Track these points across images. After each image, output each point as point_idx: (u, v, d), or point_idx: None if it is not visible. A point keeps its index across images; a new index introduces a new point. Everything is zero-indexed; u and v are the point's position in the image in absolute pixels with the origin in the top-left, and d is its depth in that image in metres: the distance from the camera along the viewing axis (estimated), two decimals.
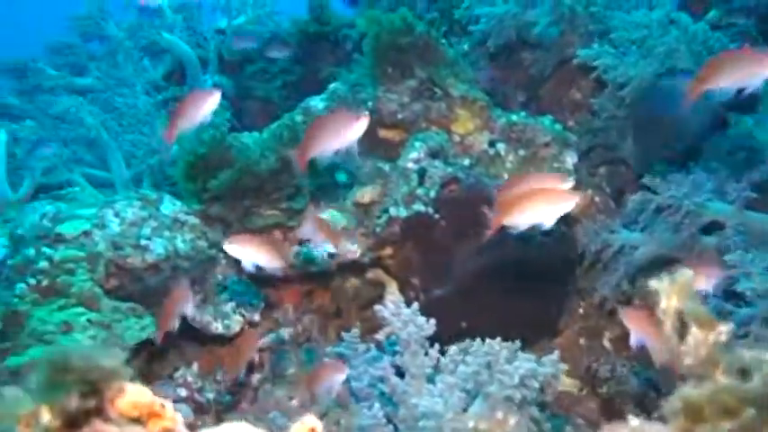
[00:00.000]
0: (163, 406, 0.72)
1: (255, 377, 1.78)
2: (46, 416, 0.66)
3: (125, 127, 2.34)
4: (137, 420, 0.70)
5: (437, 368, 1.54)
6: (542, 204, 1.42)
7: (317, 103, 2.22)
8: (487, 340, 1.53)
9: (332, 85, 2.25)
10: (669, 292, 0.61)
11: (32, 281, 1.56)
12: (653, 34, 1.84)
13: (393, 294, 1.94)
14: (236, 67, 2.88)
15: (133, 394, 0.70)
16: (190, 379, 1.66)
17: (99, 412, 0.67)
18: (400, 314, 1.57)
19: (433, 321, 1.55)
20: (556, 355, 1.52)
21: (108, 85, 2.61)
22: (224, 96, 2.69)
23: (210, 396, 1.68)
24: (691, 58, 1.86)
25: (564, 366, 1.51)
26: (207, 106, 1.44)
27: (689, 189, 1.80)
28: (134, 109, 2.37)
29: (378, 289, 2.00)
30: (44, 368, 0.68)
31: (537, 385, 1.49)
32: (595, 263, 1.94)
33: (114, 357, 0.69)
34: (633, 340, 1.49)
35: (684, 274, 0.59)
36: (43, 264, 1.58)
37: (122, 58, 2.83)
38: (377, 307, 1.64)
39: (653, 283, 1.26)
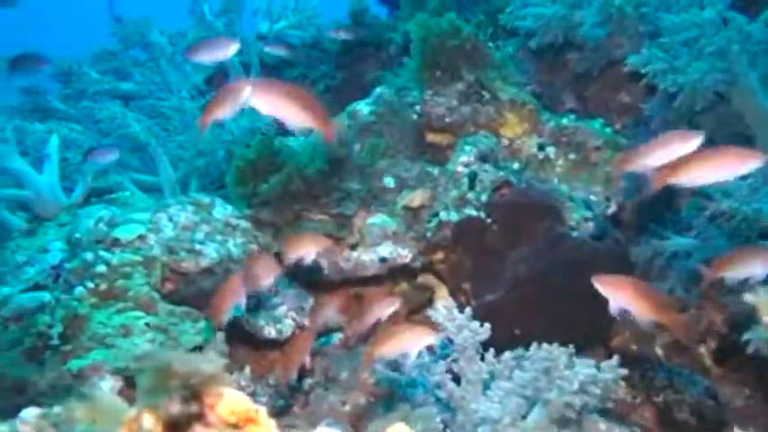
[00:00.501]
0: (257, 411, 0.72)
1: (307, 381, 1.78)
2: (149, 420, 0.66)
3: (170, 131, 2.36)
4: (234, 426, 0.70)
5: (492, 374, 1.53)
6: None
7: (362, 107, 2.22)
8: (544, 345, 1.52)
9: (377, 90, 2.25)
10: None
11: (91, 284, 1.57)
12: (705, 34, 1.80)
13: (443, 299, 1.93)
14: (278, 71, 2.89)
15: (231, 400, 0.70)
16: (243, 383, 1.66)
17: (199, 417, 0.68)
18: (454, 319, 1.56)
19: (487, 326, 1.54)
20: (615, 360, 1.50)
21: (151, 90, 2.64)
22: None
23: (263, 400, 1.68)
24: (746, 58, 1.82)
25: (623, 371, 1.48)
26: (242, 97, 1.44)
27: (746, 194, 1.76)
28: (179, 113, 2.38)
29: (426, 293, 1.99)
30: (148, 373, 0.68)
31: (597, 391, 1.47)
32: (648, 269, 1.92)
33: (214, 363, 0.69)
34: (613, 307, 1.47)
35: None
36: (101, 268, 1.60)
37: (165, 63, 2.86)
38: (430, 311, 1.63)
39: (749, 297, 1.23)
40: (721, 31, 1.83)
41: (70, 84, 2.83)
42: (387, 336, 1.45)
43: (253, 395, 1.67)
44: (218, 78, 2.94)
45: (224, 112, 1.33)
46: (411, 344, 1.42)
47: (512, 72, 2.12)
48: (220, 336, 1.51)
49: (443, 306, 1.58)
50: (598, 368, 1.49)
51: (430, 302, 1.98)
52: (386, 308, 1.63)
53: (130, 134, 2.21)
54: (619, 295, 1.48)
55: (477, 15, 2.34)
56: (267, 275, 1.48)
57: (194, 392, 0.67)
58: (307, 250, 1.58)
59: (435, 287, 1.96)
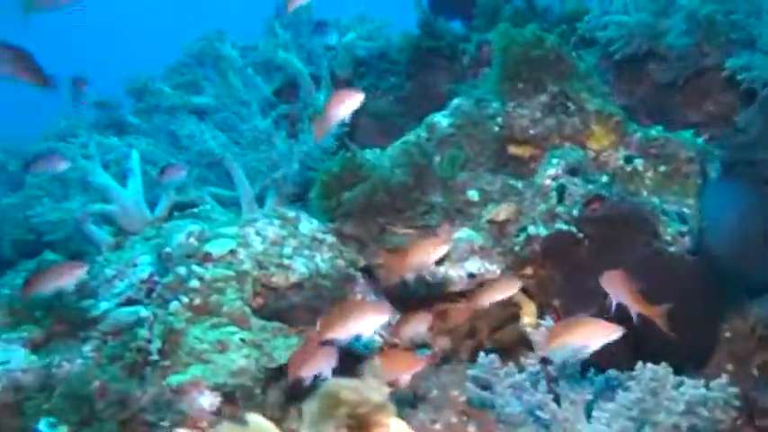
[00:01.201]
0: None
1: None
2: None
3: (244, 145, 2.36)
4: None
5: (595, 394, 1.48)
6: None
7: (440, 119, 2.19)
8: (649, 365, 1.46)
9: (455, 101, 2.22)
10: None
11: (185, 299, 1.57)
12: None
13: (529, 315, 1.89)
14: (348, 83, 2.89)
15: (396, 430, 0.67)
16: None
17: None
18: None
19: (589, 346, 1.49)
20: (725, 378, 1.44)
21: (225, 104, 2.65)
22: None
23: None
24: None
25: (734, 390, 1.42)
26: (351, 105, 1.47)
27: None
28: (252, 126, 2.38)
29: (510, 309, 1.95)
30: (317, 400, 0.66)
31: (706, 413, 1.41)
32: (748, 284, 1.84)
33: (381, 392, 0.67)
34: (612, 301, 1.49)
35: None
36: (194, 282, 1.60)
37: (233, 76, 2.88)
38: (529, 330, 1.58)
39: None
40: None
41: (143, 99, 2.87)
42: (339, 315, 1.37)
43: None
44: (287, 91, 2.96)
45: (335, 120, 1.42)
46: (362, 326, 1.35)
47: (597, 82, 2.07)
48: (377, 362, 1.49)
49: (544, 325, 1.53)
50: (707, 388, 1.43)
51: (514, 319, 1.94)
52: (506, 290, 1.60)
53: (207, 149, 2.22)
54: (614, 290, 1.49)
55: (560, 25, 2.30)
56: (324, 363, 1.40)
57: (361, 422, 0.65)
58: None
59: (521, 303, 1.91)
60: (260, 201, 2.31)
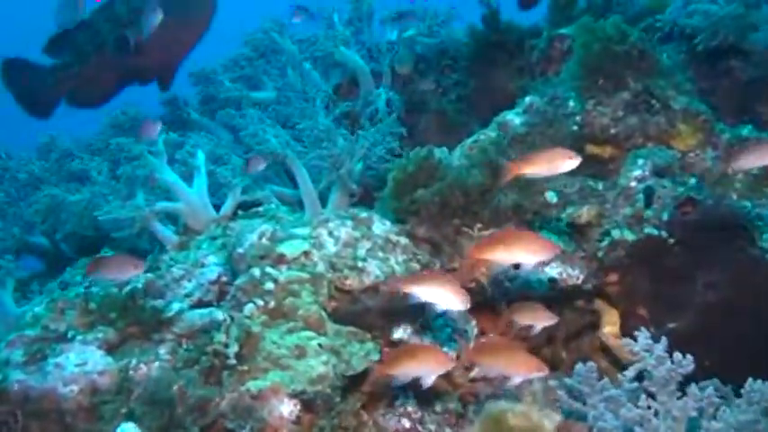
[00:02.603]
0: None
1: (471, 408, 1.67)
2: None
3: (306, 143, 2.29)
4: None
5: (700, 411, 1.39)
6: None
7: (513, 117, 2.10)
8: (759, 382, 1.37)
9: (527, 99, 2.13)
10: None
11: (260, 302, 1.52)
12: None
13: (611, 324, 1.79)
14: (408, 80, 2.81)
15: None
16: (410, 409, 1.57)
17: None
18: (652, 349, 1.42)
19: (690, 358, 1.40)
20: None
21: (288, 100, 2.60)
22: (397, 110, 2.65)
23: (432, 428, 1.58)
24: None
25: None
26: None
27: None
28: (314, 124, 2.32)
29: (588, 317, 1.86)
30: (480, 423, 0.60)
31: None
32: None
33: (552, 419, 0.60)
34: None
35: None
36: (269, 285, 1.54)
37: (293, 71, 2.83)
38: (625, 341, 1.49)
39: None
40: None
41: (206, 91, 2.84)
42: (404, 355, 1.37)
43: (421, 422, 1.58)
44: (346, 86, 2.90)
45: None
46: (426, 369, 1.34)
47: (683, 80, 1.96)
48: (539, 387, 1.43)
49: (641, 335, 1.44)
50: None
51: (592, 327, 1.85)
52: (542, 320, 1.56)
53: (269, 148, 2.16)
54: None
55: (643, 19, 2.19)
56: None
57: None
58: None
59: (601, 311, 1.82)
60: (322, 200, 2.24)
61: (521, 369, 1.35)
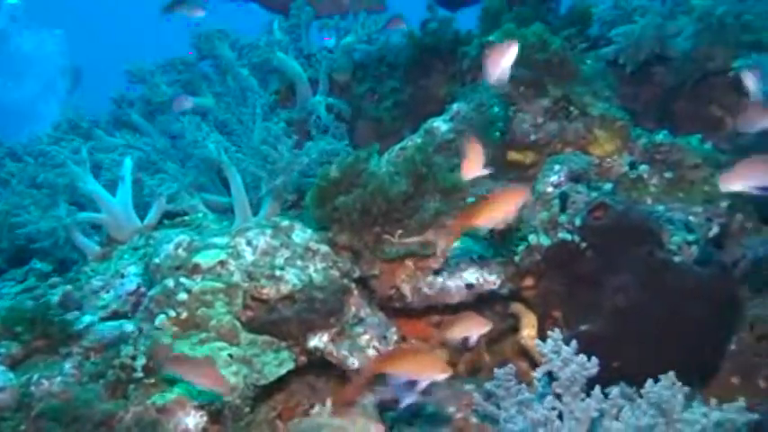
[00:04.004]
0: None
1: (390, 414, 1.69)
2: None
3: (245, 150, 2.28)
4: None
5: (601, 412, 1.42)
6: None
7: (440, 123, 2.13)
8: (660, 383, 1.40)
9: (455, 105, 2.16)
10: None
11: (172, 313, 1.52)
12: None
13: (529, 327, 1.82)
14: (345, 87, 2.83)
15: None
16: (325, 416, 1.58)
17: None
18: (561, 351, 1.45)
19: (595, 360, 1.43)
20: (742, 402, 1.37)
21: (227, 106, 2.58)
22: (340, 118, 2.67)
23: None
24: None
25: (754, 416, 1.36)
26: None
27: None
28: (259, 130, 2.31)
29: (508, 321, 1.89)
30: None
31: None
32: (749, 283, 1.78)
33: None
34: None
35: None
36: (182, 295, 1.54)
37: (232, 78, 2.82)
38: (530, 342, 1.52)
39: None
40: None
41: (142, 92, 2.81)
42: (400, 356, 1.37)
43: None
44: (284, 93, 2.89)
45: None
46: (423, 374, 1.33)
47: (601, 86, 2.01)
48: (370, 401, 1.43)
49: (550, 337, 1.46)
50: (720, 410, 1.37)
51: (513, 331, 1.88)
52: (475, 329, 1.55)
53: (206, 153, 2.15)
54: None
55: (563, 26, 2.23)
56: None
57: None
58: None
59: (520, 314, 1.85)
60: (258, 208, 2.24)
61: (425, 372, 1.36)
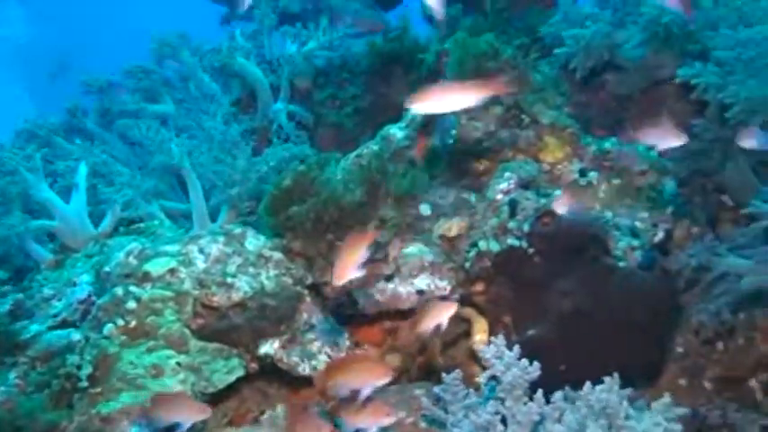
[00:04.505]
0: None
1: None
2: None
3: (205, 157, 2.28)
4: None
5: (542, 416, 1.45)
6: None
7: (396, 131, 2.15)
8: (598, 387, 1.43)
9: (410, 113, 2.18)
10: None
11: (121, 321, 1.52)
12: (765, 53, 1.72)
13: (481, 332, 1.85)
14: (306, 94, 2.84)
15: None
16: (277, 422, 1.60)
17: None
18: (503, 356, 1.48)
19: (537, 364, 1.46)
20: (668, 397, 1.41)
21: (187, 113, 2.59)
22: (302, 126, 2.68)
23: None
24: None
25: (683, 410, 1.40)
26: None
27: None
28: (216, 137, 2.32)
29: (462, 326, 1.92)
30: None
31: None
32: (693, 288, 1.82)
33: None
34: None
35: None
36: (131, 304, 1.55)
37: (193, 85, 2.83)
38: (479, 347, 1.55)
39: None
40: None
41: (102, 102, 2.80)
42: (342, 367, 1.39)
43: None
44: (246, 100, 2.90)
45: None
46: (365, 381, 1.35)
47: (552, 94, 2.05)
48: (281, 411, 1.45)
49: (493, 342, 1.49)
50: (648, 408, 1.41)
51: (466, 335, 1.91)
52: (444, 312, 1.56)
53: (166, 159, 2.15)
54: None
55: (516, 35, 2.27)
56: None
57: None
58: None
59: (473, 319, 1.88)
60: (216, 215, 2.24)
61: (367, 379, 1.38)
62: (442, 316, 1.54)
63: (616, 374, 1.40)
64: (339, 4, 3.20)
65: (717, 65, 1.83)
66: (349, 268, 1.43)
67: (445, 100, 1.47)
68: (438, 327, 1.58)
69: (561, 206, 1.69)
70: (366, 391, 1.37)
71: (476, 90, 1.48)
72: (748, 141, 1.66)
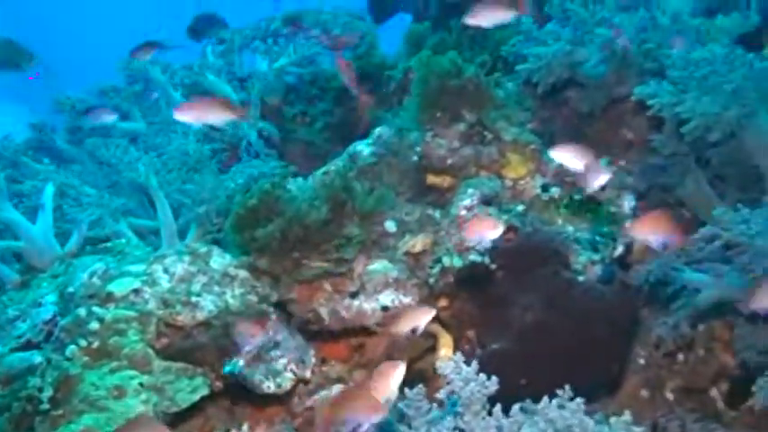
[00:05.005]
0: None
1: None
2: None
3: (172, 174, 2.29)
4: None
5: (501, 429, 1.47)
6: None
7: (363, 148, 2.18)
8: (555, 401, 1.46)
9: (377, 130, 2.22)
10: None
11: (83, 342, 1.53)
12: (718, 71, 1.77)
13: (447, 347, 1.88)
14: (277, 110, 2.86)
15: None
16: None
17: None
18: (461, 371, 1.50)
19: (495, 379, 1.48)
20: (628, 416, 1.44)
21: (158, 131, 2.60)
22: (271, 143, 2.70)
23: None
24: (757, 96, 1.78)
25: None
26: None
27: (762, 228, 1.67)
28: (184, 156, 2.33)
29: (429, 341, 1.94)
30: None
31: None
32: (652, 301, 1.87)
33: None
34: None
35: None
36: (94, 324, 1.55)
37: (165, 103, 2.84)
38: (438, 364, 1.57)
39: None
40: (735, 69, 1.78)
41: (73, 121, 2.80)
42: (341, 403, 1.33)
43: None
44: None
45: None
46: (363, 416, 1.27)
47: (514, 111, 2.09)
48: (246, 429, 1.46)
49: (450, 358, 1.51)
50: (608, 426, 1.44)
51: (433, 350, 1.93)
52: (422, 316, 1.56)
53: (133, 177, 2.16)
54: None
55: (481, 52, 2.31)
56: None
57: None
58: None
59: (439, 334, 1.90)
60: (185, 233, 2.25)
61: (366, 415, 1.35)
62: (419, 320, 1.55)
63: (568, 387, 1.42)
64: (328, 19, 3.26)
65: (671, 83, 1.88)
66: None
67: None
68: (414, 330, 1.59)
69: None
70: (365, 427, 1.35)
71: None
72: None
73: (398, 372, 1.46)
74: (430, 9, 3.09)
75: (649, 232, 1.54)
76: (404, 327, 1.57)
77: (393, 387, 1.37)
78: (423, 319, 1.56)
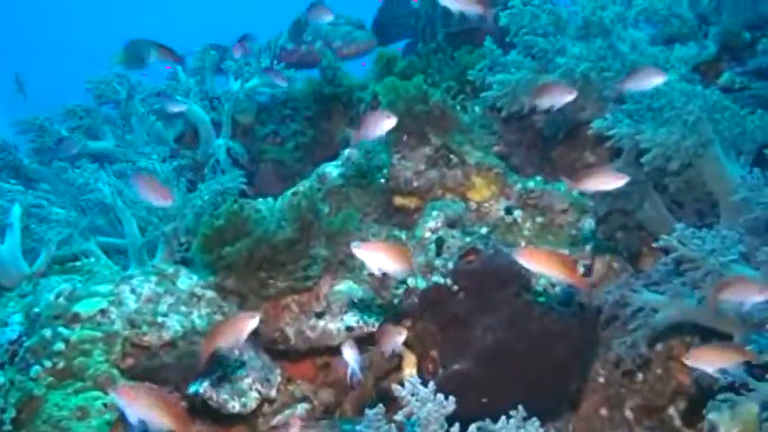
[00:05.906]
0: None
1: None
2: None
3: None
4: None
5: None
6: None
7: (332, 169, 2.22)
8: (512, 421, 1.50)
9: (346, 151, 2.26)
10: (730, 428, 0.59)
11: (48, 363, 1.54)
12: (674, 103, 1.84)
13: (410, 366, 1.91)
14: (249, 130, 2.90)
15: None
16: None
17: None
18: (418, 392, 1.53)
19: (452, 399, 1.51)
20: None
21: (126, 152, 2.62)
22: (238, 163, 2.73)
23: None
24: (711, 127, 1.85)
25: None
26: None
27: (716, 247, 1.72)
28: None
29: (394, 360, 1.97)
30: None
31: None
32: (612, 322, 1.92)
33: None
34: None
35: (749, 410, 0.57)
36: (59, 345, 1.56)
37: (136, 122, 2.85)
38: (394, 386, 1.60)
39: (713, 417, 1.22)
40: (691, 100, 1.85)
41: (41, 140, 2.80)
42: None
43: None
44: (189, 136, 2.94)
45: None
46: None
47: (479, 135, 2.14)
48: None
49: (407, 380, 1.54)
50: None
51: (398, 369, 1.97)
52: (396, 336, 1.61)
53: (100, 198, 2.19)
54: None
55: (446, 75, 2.37)
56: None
57: None
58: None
59: (403, 354, 1.93)
60: (152, 251, 2.27)
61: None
62: (397, 341, 1.61)
63: (521, 408, 1.45)
64: (329, 30, 3.34)
65: (628, 116, 1.94)
66: None
67: None
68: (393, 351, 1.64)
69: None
70: None
71: None
72: None
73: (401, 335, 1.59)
74: (429, 35, 3.21)
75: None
76: (388, 346, 1.62)
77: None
78: (399, 339, 1.61)
